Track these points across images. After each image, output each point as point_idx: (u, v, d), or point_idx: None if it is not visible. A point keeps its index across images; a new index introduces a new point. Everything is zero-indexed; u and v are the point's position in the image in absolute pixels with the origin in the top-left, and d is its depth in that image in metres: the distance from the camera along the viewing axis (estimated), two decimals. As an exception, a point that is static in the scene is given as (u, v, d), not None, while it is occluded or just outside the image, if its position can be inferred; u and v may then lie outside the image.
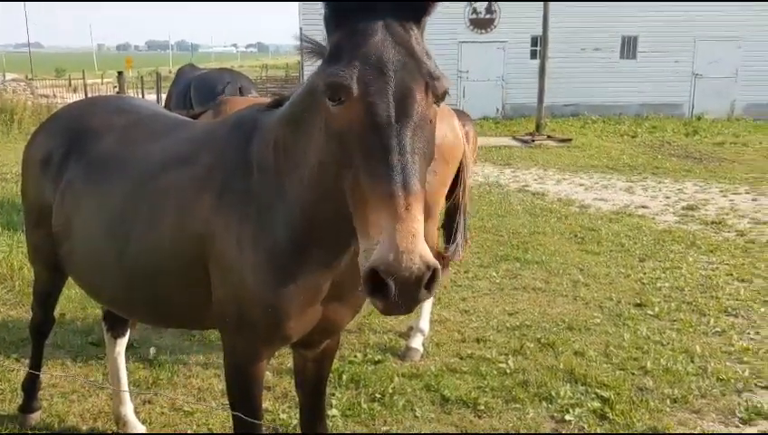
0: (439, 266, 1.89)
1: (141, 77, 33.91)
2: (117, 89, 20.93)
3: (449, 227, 5.54)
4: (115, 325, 4.24)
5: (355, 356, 5.34)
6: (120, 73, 20.42)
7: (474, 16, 24.55)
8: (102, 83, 38.95)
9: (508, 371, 5.14)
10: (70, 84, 37.06)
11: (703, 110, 24.54)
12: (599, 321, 6.18)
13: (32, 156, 3.61)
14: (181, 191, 2.85)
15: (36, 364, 4.24)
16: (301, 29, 23.69)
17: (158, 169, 2.99)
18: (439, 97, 2.06)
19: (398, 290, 1.82)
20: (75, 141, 3.37)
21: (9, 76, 30.48)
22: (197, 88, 8.89)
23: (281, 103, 2.69)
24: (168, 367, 5.09)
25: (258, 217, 2.59)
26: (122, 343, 4.30)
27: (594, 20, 24.05)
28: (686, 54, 24.88)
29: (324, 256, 2.55)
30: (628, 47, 25.13)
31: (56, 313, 4.39)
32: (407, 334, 5.64)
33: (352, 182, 1.98)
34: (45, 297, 4.00)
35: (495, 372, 5.11)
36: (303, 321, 2.67)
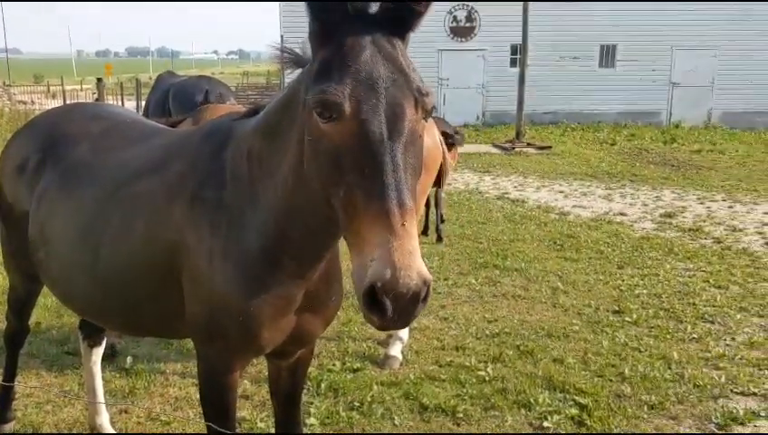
0: (432, 280, 1.91)
1: (121, 83, 33.64)
2: (96, 95, 20.79)
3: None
4: (91, 334, 4.19)
5: (334, 364, 5.32)
6: (99, 80, 20.27)
7: (454, 25, 24.68)
8: (81, 90, 38.62)
9: (487, 378, 5.15)
10: (48, 90, 36.74)
11: (680, 118, 24.81)
12: (577, 328, 6.20)
13: (8, 162, 3.57)
14: (152, 199, 2.83)
15: (10, 374, 4.18)
16: (282, 36, 23.73)
17: (130, 177, 2.97)
18: (428, 112, 2.08)
19: (395, 306, 1.83)
20: (51, 148, 3.34)
21: (-16, 82, 30.26)
22: (176, 96, 8.85)
23: (257, 112, 2.68)
24: (145, 376, 5.03)
25: (230, 226, 2.58)
26: (98, 352, 4.26)
27: (573, 29, 24.27)
28: (663, 63, 25.19)
29: (297, 266, 2.54)
30: (607, 56, 25.39)
31: (31, 321, 4.33)
32: (386, 342, 5.63)
33: (344, 199, 1.97)
34: (20, 306, 3.95)
35: (474, 380, 5.11)
36: (276, 331, 2.65)
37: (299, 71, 2.34)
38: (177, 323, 2.85)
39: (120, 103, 25.45)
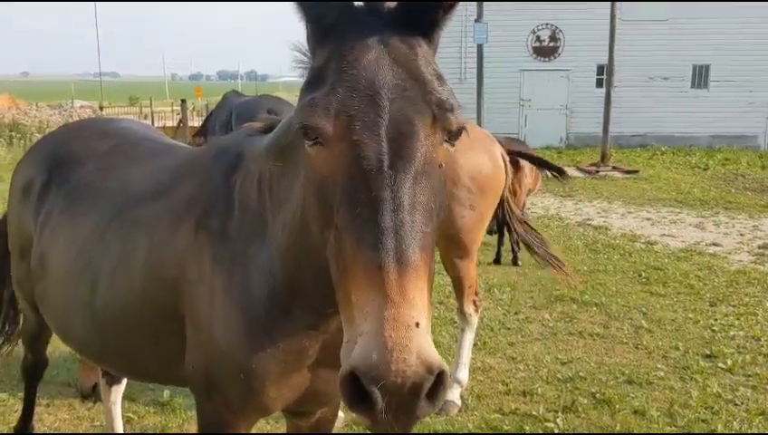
0: (447, 369, 1.41)
1: (206, 104, 34.46)
2: (180, 116, 21.24)
3: None
4: (111, 370, 3.86)
5: (384, 408, 4.83)
6: (183, 101, 20.75)
7: (537, 44, 24.06)
8: (171, 110, 39.79)
9: (556, 430, 4.57)
10: (141, 112, 37.94)
11: (780, 141, 23.33)
12: (662, 374, 5.52)
13: (14, 185, 3.27)
14: (155, 226, 2.45)
15: (29, 408, 3.88)
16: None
17: (132, 200, 2.61)
18: (453, 133, 1.59)
19: (388, 402, 1.36)
20: (56, 169, 3.01)
21: (78, 103, 31.29)
22: (239, 115, 8.68)
23: (272, 128, 2.27)
24: (181, 413, 4.66)
25: (233, 263, 2.17)
26: (118, 390, 3.93)
27: (663, 48, 23.24)
28: (761, 84, 23.75)
29: (309, 316, 2.10)
30: (700, 76, 24.18)
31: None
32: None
33: (335, 247, 1.53)
34: (33, 338, 3.64)
35: (542, 432, 4.54)
36: (286, 390, 2.21)
37: None
38: (183, 371, 2.44)
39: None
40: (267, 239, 2.11)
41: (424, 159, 1.51)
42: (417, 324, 1.36)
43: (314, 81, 1.60)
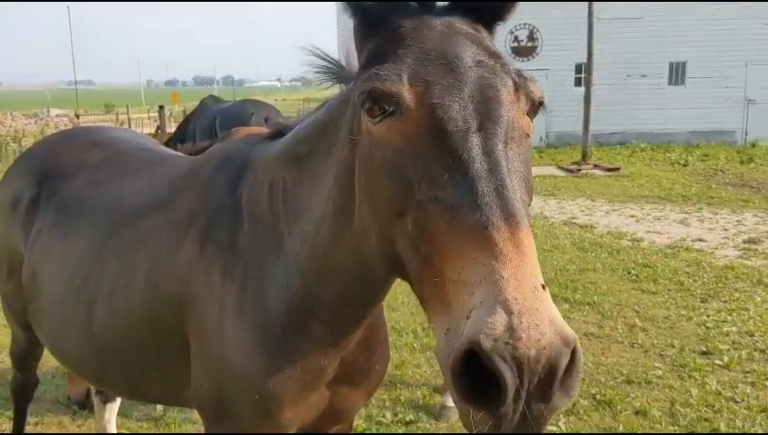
0: (577, 340, 1.18)
1: (183, 110, 34.20)
2: (158, 122, 20.99)
3: None
4: (105, 388, 3.73)
5: (384, 416, 4.74)
6: (161, 108, 20.49)
7: (515, 45, 24.08)
8: (148, 117, 39.44)
9: (559, 434, 4.51)
10: (117, 119, 37.60)
11: (757, 136, 23.47)
12: (660, 372, 5.48)
13: (0, 199, 3.10)
14: (156, 243, 2.33)
15: (20, 428, 3.73)
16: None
17: (130, 215, 2.49)
18: (535, 105, 1.51)
19: (519, 383, 1.11)
20: (45, 183, 2.87)
21: (54, 112, 30.81)
22: (223, 121, 8.53)
23: (282, 134, 2.18)
24: (175, 427, 4.55)
25: (246, 278, 2.06)
26: (113, 408, 3.80)
27: (640, 46, 23.38)
28: (737, 80, 23.97)
29: (329, 334, 2.01)
30: (677, 73, 24.35)
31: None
32: (443, 390, 5.03)
33: (415, 232, 1.35)
34: (23, 357, 3.48)
35: (544, 436, 4.48)
36: (303, 410, 2.12)
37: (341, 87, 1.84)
38: (188, 393, 2.33)
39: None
40: (283, 252, 2.02)
41: (512, 125, 1.41)
42: (544, 286, 1.19)
43: (373, 60, 1.50)
